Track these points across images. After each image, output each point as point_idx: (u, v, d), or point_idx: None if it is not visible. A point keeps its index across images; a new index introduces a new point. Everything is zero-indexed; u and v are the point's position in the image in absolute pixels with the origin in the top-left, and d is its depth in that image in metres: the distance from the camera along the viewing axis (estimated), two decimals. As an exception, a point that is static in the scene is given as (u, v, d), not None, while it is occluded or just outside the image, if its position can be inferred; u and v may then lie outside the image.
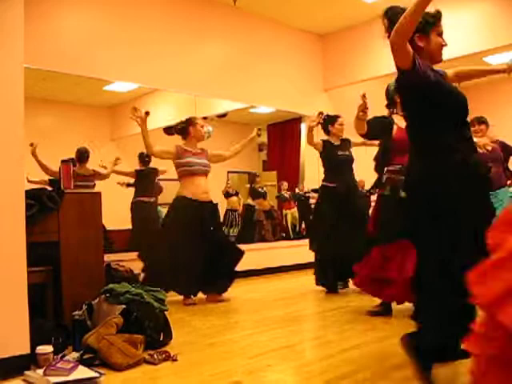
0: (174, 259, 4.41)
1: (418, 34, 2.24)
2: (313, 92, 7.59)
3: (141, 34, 5.61)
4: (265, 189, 8.12)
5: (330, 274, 4.97)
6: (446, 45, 2.38)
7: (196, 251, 4.50)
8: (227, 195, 7.94)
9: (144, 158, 6.50)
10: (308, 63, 7.58)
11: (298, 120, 8.07)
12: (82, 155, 5.72)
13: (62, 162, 3.49)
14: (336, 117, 5.19)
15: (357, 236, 4.51)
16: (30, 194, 2.95)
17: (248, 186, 8.30)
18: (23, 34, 2.75)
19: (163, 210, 6.79)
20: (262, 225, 7.97)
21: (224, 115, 7.43)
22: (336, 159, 5.09)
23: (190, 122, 4.84)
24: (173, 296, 4.43)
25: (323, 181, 5.20)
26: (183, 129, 4.84)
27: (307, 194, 8.14)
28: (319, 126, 5.16)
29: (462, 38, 5.71)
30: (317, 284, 5.09)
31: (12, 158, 2.65)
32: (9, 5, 2.69)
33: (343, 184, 5.06)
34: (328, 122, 5.16)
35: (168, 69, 5.86)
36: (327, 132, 5.20)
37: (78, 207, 3.36)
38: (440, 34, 2.35)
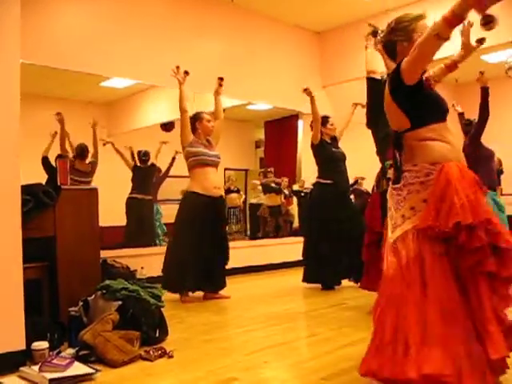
0: (187, 257, 4.44)
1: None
2: (310, 89, 7.56)
3: (138, 30, 5.59)
4: (274, 184, 8.12)
5: (327, 271, 4.97)
6: None
7: (205, 248, 4.52)
8: (228, 192, 7.94)
9: (141, 157, 6.50)
10: (306, 60, 7.57)
11: (295, 117, 8.05)
12: (82, 151, 5.73)
13: (59, 157, 3.49)
14: (326, 117, 5.21)
15: (355, 234, 4.52)
16: (26, 190, 2.94)
17: (257, 182, 8.31)
18: (20, 30, 2.73)
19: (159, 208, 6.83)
20: (265, 221, 7.97)
21: (221, 112, 7.41)
22: (332, 155, 5.11)
23: (196, 117, 4.81)
24: (170, 293, 4.43)
25: (318, 178, 5.20)
26: (191, 125, 4.81)
27: (306, 190, 8.16)
28: (310, 127, 5.20)
29: (459, 36, 5.68)
30: (307, 281, 5.12)
31: (8, 154, 2.64)
32: (5, 1, 2.67)
33: (342, 180, 5.11)
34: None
35: (165, 65, 5.81)
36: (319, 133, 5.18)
37: (74, 203, 3.35)
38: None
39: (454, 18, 1.94)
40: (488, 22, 2.08)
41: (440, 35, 1.97)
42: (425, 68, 2.19)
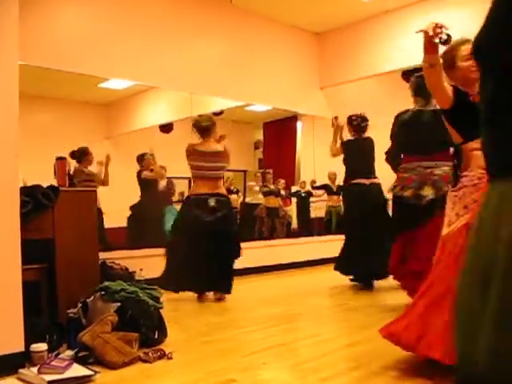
0: (192, 257, 4.45)
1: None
2: (309, 90, 7.58)
3: (136, 32, 5.59)
4: (276, 186, 8.12)
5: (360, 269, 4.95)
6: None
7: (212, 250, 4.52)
8: (228, 193, 7.92)
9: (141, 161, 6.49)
10: (304, 61, 7.57)
11: (294, 118, 8.07)
12: (86, 155, 5.73)
13: (57, 158, 3.48)
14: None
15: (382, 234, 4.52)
16: (25, 191, 2.94)
17: (253, 183, 8.31)
18: (18, 31, 2.73)
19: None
20: (262, 221, 7.96)
21: (220, 113, 7.42)
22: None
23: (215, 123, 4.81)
24: (168, 294, 4.42)
25: (375, 177, 5.05)
26: (208, 129, 4.78)
27: (307, 191, 8.19)
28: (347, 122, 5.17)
29: (455, 37, 5.69)
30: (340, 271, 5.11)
31: (7, 155, 2.64)
32: (4, 1, 2.67)
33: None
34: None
35: (164, 66, 5.84)
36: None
37: (73, 205, 3.34)
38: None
39: (430, 46, 2.37)
40: (445, 42, 2.40)
41: (430, 64, 2.42)
42: (444, 93, 2.55)
